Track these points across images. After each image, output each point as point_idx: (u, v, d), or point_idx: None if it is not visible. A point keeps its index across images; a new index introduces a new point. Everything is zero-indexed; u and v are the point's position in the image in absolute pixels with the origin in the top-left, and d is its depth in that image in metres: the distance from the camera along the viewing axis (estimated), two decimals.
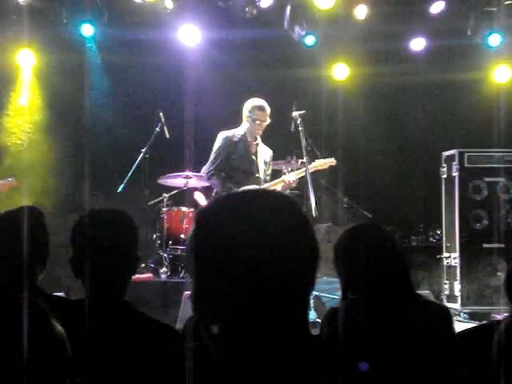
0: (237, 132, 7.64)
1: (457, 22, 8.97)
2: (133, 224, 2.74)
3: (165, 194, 8.58)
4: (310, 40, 9.05)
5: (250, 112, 7.57)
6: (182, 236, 8.49)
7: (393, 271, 3.06)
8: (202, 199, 8.88)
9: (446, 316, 3.05)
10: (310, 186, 7.16)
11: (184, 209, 8.56)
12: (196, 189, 8.84)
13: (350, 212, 9.00)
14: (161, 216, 8.51)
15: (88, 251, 2.60)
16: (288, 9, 8.69)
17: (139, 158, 8.49)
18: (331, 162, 7.86)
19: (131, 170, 8.42)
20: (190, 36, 8.91)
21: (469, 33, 8.95)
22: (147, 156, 8.50)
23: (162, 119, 8.54)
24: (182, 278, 8.26)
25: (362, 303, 2.87)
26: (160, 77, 9.17)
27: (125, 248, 2.67)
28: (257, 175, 7.65)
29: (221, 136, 7.63)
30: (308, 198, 7.10)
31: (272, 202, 1.51)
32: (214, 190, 7.75)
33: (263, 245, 1.42)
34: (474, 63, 9.49)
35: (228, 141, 7.57)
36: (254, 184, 7.52)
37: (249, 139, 7.64)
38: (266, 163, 7.73)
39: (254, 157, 7.69)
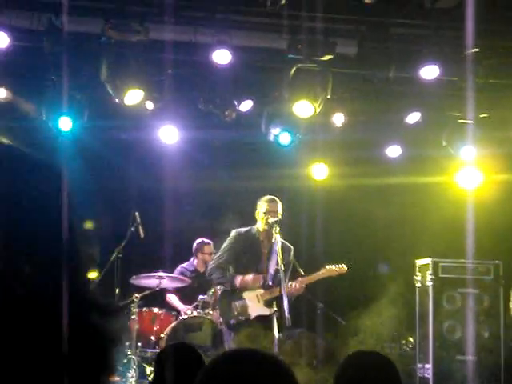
0: (250, 230, 7.54)
1: (432, 133, 9.17)
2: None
3: (136, 295, 8.46)
4: (285, 139, 9.02)
5: (259, 207, 7.51)
6: (153, 338, 8.34)
7: None
8: (175, 300, 8.79)
9: None
10: (284, 293, 7.08)
11: (155, 310, 8.44)
12: (169, 290, 8.76)
13: (325, 318, 8.93)
14: (131, 317, 8.36)
15: None
16: (266, 114, 8.82)
17: (112, 257, 8.41)
18: (342, 268, 7.75)
19: (103, 270, 8.33)
20: (169, 136, 8.97)
21: (444, 143, 9.13)
22: (120, 255, 8.43)
23: (138, 219, 8.52)
24: (151, 382, 8.06)
25: None
26: (138, 174, 9.19)
27: None
28: (266, 275, 7.50)
29: (232, 233, 7.53)
30: (281, 307, 7.03)
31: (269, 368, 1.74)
32: (218, 287, 7.66)
33: None
34: (449, 170, 9.66)
35: (238, 238, 7.45)
36: (258, 284, 7.38)
37: (261, 238, 7.54)
38: (279, 263, 7.22)
39: (265, 256, 7.57)
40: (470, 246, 8.35)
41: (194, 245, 9.05)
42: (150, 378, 8.17)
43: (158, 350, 8.23)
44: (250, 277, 7.31)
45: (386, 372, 3.09)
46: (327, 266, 7.69)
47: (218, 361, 1.79)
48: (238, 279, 7.36)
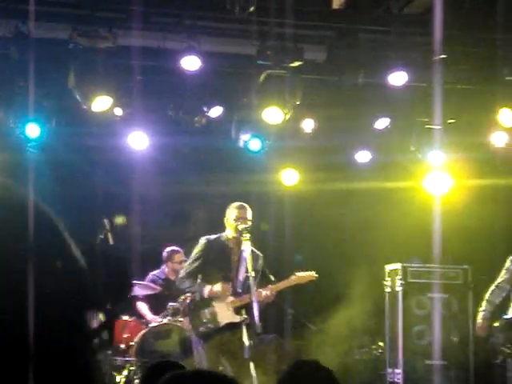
0: (220, 237, 7.50)
1: (401, 138, 9.23)
2: None
3: None
4: (255, 145, 9.03)
5: (228, 214, 7.45)
6: (122, 346, 8.28)
7: None
8: (144, 308, 8.73)
9: None
10: (254, 300, 7.06)
11: (125, 317, 8.38)
12: (139, 298, 8.71)
13: (295, 324, 8.94)
14: None
15: None
16: (236, 120, 8.82)
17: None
18: (311, 275, 7.73)
19: None
20: (138, 142, 8.92)
21: (412, 148, 9.20)
22: None
23: (107, 226, 8.44)
24: None
25: None
26: (107, 181, 9.12)
27: None
28: (235, 282, 7.44)
29: (201, 240, 7.48)
30: (251, 314, 7.01)
31: None
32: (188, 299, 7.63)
33: None
34: (417, 175, 9.72)
35: (208, 245, 7.39)
36: (227, 293, 7.34)
37: (231, 245, 7.49)
38: (249, 270, 7.11)
39: (234, 263, 7.51)
40: (438, 251, 8.41)
41: (164, 253, 9.00)
42: None
43: (127, 358, 8.19)
44: (218, 286, 7.28)
45: (325, 381, 3.10)
46: (297, 274, 7.67)
47: (169, 382, 1.77)
48: (207, 289, 7.32)
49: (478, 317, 7.72)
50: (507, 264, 7.76)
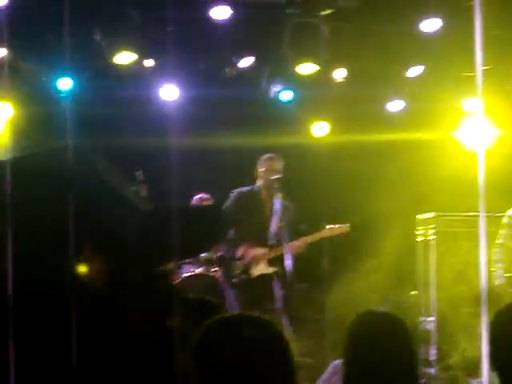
0: (251, 189, 7.50)
1: (436, 86, 9.08)
2: None
3: None
4: (286, 95, 9.06)
5: (259, 165, 7.47)
6: None
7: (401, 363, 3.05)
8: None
9: None
10: (286, 251, 7.10)
11: None
12: None
13: (327, 273, 8.99)
14: None
15: None
16: (267, 71, 8.76)
17: None
18: (344, 228, 7.75)
19: None
20: (169, 93, 8.94)
21: (447, 97, 9.06)
22: None
23: (141, 177, 8.49)
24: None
25: None
26: (139, 133, 9.15)
27: None
28: (268, 233, 7.48)
29: (234, 193, 7.51)
30: (284, 264, 7.05)
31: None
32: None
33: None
34: (453, 124, 9.58)
35: (239, 198, 7.42)
36: (262, 243, 7.38)
37: (262, 197, 7.50)
38: (282, 220, 7.31)
39: (266, 215, 7.51)
40: (475, 199, 8.31)
41: (193, 201, 9.04)
42: None
43: None
44: (253, 251, 7.33)
45: (396, 330, 3.10)
46: (330, 226, 7.69)
47: (215, 324, 1.82)
48: (240, 251, 7.39)
49: None
50: None
